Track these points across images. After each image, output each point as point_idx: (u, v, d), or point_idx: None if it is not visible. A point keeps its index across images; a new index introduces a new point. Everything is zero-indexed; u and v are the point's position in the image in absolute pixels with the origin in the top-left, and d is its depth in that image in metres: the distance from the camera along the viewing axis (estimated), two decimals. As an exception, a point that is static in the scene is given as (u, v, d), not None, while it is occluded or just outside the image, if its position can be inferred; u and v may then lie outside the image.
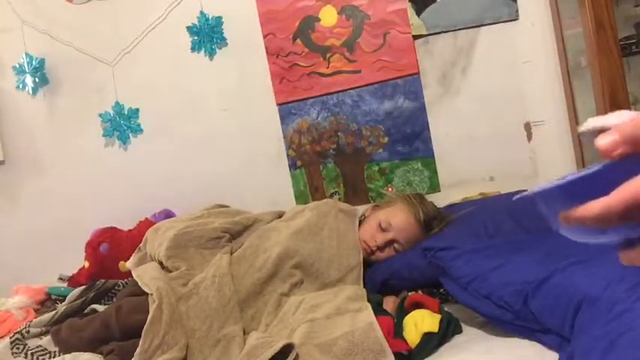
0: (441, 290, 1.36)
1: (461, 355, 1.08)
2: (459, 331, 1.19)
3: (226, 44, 1.89)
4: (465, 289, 1.14)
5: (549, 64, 1.77)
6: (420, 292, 1.37)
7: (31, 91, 1.95)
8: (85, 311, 1.34)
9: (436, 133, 1.83)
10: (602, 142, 0.37)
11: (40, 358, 1.21)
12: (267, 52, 1.86)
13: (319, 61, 1.85)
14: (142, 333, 1.13)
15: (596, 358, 0.77)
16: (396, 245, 1.47)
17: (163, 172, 1.95)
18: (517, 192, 1.60)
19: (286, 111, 1.88)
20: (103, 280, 1.41)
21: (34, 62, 1.93)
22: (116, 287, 1.41)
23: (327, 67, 1.85)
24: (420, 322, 1.14)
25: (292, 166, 1.89)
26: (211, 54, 1.89)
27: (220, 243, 1.44)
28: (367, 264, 1.47)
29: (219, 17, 1.87)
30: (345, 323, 1.15)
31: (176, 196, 1.90)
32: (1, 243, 2.01)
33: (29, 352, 1.21)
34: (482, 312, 1.11)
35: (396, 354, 1.06)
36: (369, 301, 1.27)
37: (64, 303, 1.37)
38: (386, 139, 1.84)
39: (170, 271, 1.36)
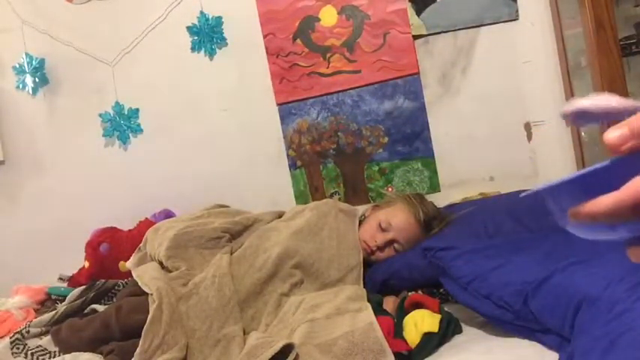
0: (441, 290, 1.36)
1: (461, 355, 1.08)
2: (459, 331, 1.19)
3: (226, 44, 1.89)
4: (465, 289, 1.14)
5: (549, 64, 1.77)
6: (420, 292, 1.37)
7: (31, 91, 1.95)
8: (85, 311, 1.34)
9: (436, 133, 1.83)
10: (611, 135, 0.35)
11: (40, 358, 1.21)
12: (267, 52, 1.87)
13: (319, 61, 1.85)
14: (142, 333, 1.13)
15: (596, 358, 0.77)
16: (396, 245, 1.47)
17: (163, 172, 1.95)
18: (517, 192, 1.60)
19: (286, 111, 1.88)
20: (103, 280, 1.41)
21: (34, 62, 1.93)
22: (116, 287, 1.41)
23: (327, 67, 1.85)
24: (420, 322, 1.14)
25: (292, 166, 1.89)
26: (211, 54, 1.90)
27: (220, 243, 1.44)
28: (367, 264, 1.47)
29: (219, 17, 1.87)
30: (345, 323, 1.15)
31: (176, 196, 1.90)
32: (1, 243, 2.01)
33: (29, 352, 1.21)
34: (483, 312, 1.11)
35: (396, 354, 1.06)
36: (369, 301, 1.27)
37: (64, 303, 1.37)
38: (386, 139, 1.84)
39: (170, 271, 1.36)
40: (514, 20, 1.77)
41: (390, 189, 1.85)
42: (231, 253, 1.40)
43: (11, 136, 2.00)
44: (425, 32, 1.81)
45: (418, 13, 1.80)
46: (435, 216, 1.51)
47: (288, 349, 1.05)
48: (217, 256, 1.37)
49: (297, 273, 1.36)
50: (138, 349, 1.11)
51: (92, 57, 1.94)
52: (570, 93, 1.72)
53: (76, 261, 1.71)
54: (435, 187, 1.83)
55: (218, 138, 1.92)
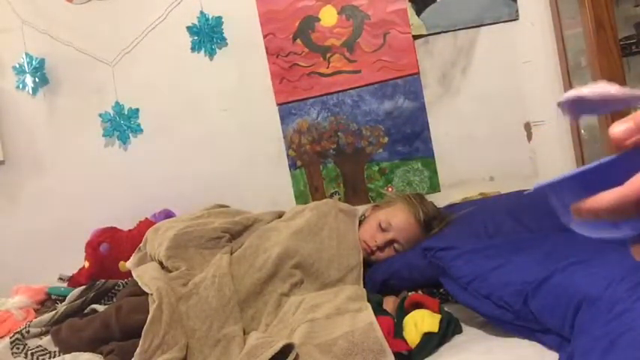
0: (441, 290, 1.36)
1: (461, 355, 1.08)
2: (459, 331, 1.19)
3: (226, 44, 1.89)
4: (465, 289, 1.14)
5: (549, 64, 1.77)
6: (420, 292, 1.37)
7: (31, 91, 1.95)
8: (85, 311, 1.34)
9: (436, 133, 1.82)
10: (616, 130, 0.35)
11: (40, 358, 1.21)
12: (267, 52, 1.86)
13: (319, 61, 1.85)
14: (142, 333, 1.13)
15: (596, 358, 0.77)
16: (396, 245, 1.47)
17: (163, 172, 1.95)
18: (517, 192, 1.60)
19: (286, 111, 1.88)
20: (103, 280, 1.41)
21: (34, 62, 1.93)
22: (116, 287, 1.41)
23: (327, 67, 1.85)
24: (420, 322, 1.14)
25: (292, 166, 1.89)
26: (211, 54, 1.90)
27: (220, 243, 1.44)
28: (367, 264, 1.47)
29: (219, 17, 1.87)
30: (345, 323, 1.15)
31: (176, 196, 1.90)
32: (1, 243, 2.01)
33: (29, 352, 1.21)
34: (483, 312, 1.11)
35: (396, 354, 1.06)
36: (369, 301, 1.27)
37: (64, 303, 1.37)
38: (386, 139, 1.84)
39: (170, 271, 1.36)
40: (514, 20, 1.77)
41: (390, 189, 1.85)
42: (231, 253, 1.40)
43: (11, 136, 2.00)
44: (425, 32, 1.81)
45: (418, 13, 1.80)
46: (435, 216, 1.51)
47: (288, 349, 1.05)
48: (217, 256, 1.37)
49: (297, 273, 1.36)
50: (138, 349, 1.11)
51: (92, 57, 1.94)
52: (570, 93, 1.72)
53: (76, 261, 1.71)
54: (435, 187, 1.83)
55: (218, 138, 1.92)
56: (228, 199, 1.74)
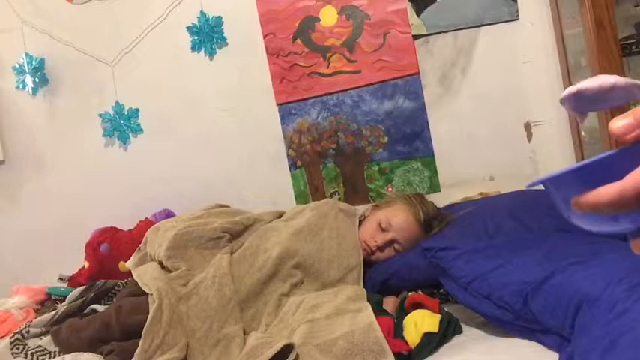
0: (441, 290, 1.36)
1: (461, 355, 1.08)
2: (459, 331, 1.19)
3: (226, 44, 1.89)
4: (465, 289, 1.14)
5: (549, 64, 1.77)
6: (420, 292, 1.37)
7: (31, 91, 1.95)
8: (85, 311, 1.34)
9: (436, 133, 1.83)
10: (616, 125, 0.35)
11: (40, 358, 1.21)
12: (267, 52, 1.86)
13: (319, 61, 1.85)
14: (142, 333, 1.13)
15: (596, 358, 0.77)
16: (396, 245, 1.47)
17: (163, 172, 1.95)
18: (517, 192, 1.60)
19: (286, 111, 1.88)
20: (103, 280, 1.41)
21: (34, 62, 1.93)
22: (116, 287, 1.41)
23: (327, 67, 1.85)
24: (420, 322, 1.14)
25: (292, 166, 1.89)
26: (211, 54, 1.90)
27: (220, 243, 1.44)
28: (367, 264, 1.47)
29: (219, 17, 1.87)
30: (345, 323, 1.15)
31: (176, 196, 1.90)
32: (1, 243, 2.01)
33: (29, 352, 1.21)
34: (482, 312, 1.11)
35: (396, 354, 1.06)
36: (368, 301, 1.27)
37: (64, 303, 1.37)
38: (386, 139, 1.84)
39: (170, 271, 1.36)
40: (514, 20, 1.77)
41: (390, 189, 1.85)
42: (231, 253, 1.40)
43: (11, 136, 2.00)
44: (425, 32, 1.81)
45: (418, 13, 1.80)
46: (435, 216, 1.51)
47: (288, 349, 1.05)
48: (217, 256, 1.37)
49: (297, 273, 1.36)
50: (138, 349, 1.11)
51: (92, 57, 1.94)
52: (570, 93, 1.72)
53: (76, 261, 1.71)
54: (435, 187, 1.83)
55: (218, 138, 1.92)
56: (228, 199, 1.74)
